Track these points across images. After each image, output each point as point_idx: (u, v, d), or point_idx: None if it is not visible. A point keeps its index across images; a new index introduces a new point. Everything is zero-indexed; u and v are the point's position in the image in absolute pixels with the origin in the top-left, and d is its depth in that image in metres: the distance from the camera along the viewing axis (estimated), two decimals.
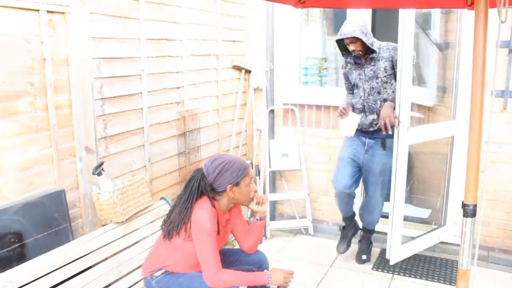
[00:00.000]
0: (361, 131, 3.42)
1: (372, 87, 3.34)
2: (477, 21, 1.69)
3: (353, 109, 3.44)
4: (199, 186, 2.27)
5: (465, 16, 3.53)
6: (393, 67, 3.27)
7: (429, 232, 3.88)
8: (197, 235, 2.21)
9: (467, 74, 3.57)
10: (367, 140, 3.43)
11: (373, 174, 3.45)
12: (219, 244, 2.35)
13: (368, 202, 3.60)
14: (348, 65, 3.48)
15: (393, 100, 3.23)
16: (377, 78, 3.31)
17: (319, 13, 5.64)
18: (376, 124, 3.33)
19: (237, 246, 2.67)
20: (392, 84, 3.33)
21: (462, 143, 3.70)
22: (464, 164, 3.55)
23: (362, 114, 3.40)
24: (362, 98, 3.40)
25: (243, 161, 2.37)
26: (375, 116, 3.36)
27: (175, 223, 2.26)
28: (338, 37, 3.22)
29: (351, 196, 3.59)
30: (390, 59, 3.26)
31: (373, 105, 3.35)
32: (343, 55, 3.46)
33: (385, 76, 3.30)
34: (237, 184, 2.30)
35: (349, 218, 3.75)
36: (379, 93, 3.34)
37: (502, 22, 1.65)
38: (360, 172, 3.54)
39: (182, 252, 2.28)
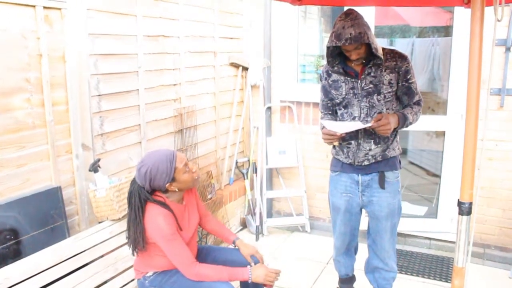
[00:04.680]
0: (352, 166, 2.58)
1: (372, 106, 2.45)
2: (474, 19, 1.69)
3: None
4: (140, 199, 2.21)
5: (458, 13, 3.56)
6: (399, 81, 2.45)
7: (417, 217, 3.95)
8: (160, 242, 2.19)
9: (458, 71, 3.61)
10: (360, 178, 2.57)
11: (378, 221, 2.62)
12: (188, 231, 2.34)
13: (375, 256, 2.74)
14: (333, 75, 2.54)
15: (402, 115, 2.42)
16: (378, 93, 2.43)
17: (316, 10, 5.64)
18: (372, 156, 2.52)
19: (224, 244, 2.66)
20: (393, 104, 2.51)
21: (454, 139, 3.78)
22: (456, 159, 3.69)
23: (354, 142, 2.52)
24: (357, 119, 2.49)
25: (166, 155, 2.22)
26: (372, 146, 2.49)
27: (136, 241, 2.22)
28: (335, 43, 2.27)
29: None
30: (396, 70, 2.42)
31: (371, 129, 2.41)
32: (328, 62, 2.49)
33: (389, 92, 2.44)
34: (173, 179, 2.23)
35: (349, 280, 3.03)
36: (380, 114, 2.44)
37: (498, 21, 1.65)
38: (360, 220, 2.76)
39: (160, 254, 2.27)
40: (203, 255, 2.51)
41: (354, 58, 2.37)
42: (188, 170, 2.28)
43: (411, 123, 2.48)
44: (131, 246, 2.27)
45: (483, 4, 1.68)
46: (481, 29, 1.68)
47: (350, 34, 2.22)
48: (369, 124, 2.36)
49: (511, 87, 3.48)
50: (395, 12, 5.75)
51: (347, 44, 2.25)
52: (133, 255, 2.30)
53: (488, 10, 1.77)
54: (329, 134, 2.43)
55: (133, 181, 2.27)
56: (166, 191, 2.27)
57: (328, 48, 2.42)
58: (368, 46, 2.33)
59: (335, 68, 2.50)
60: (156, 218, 2.19)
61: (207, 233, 3.54)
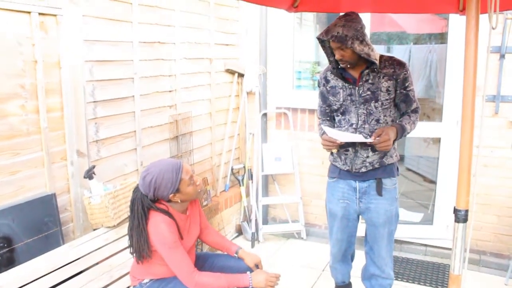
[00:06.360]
0: (349, 173, 2.56)
1: (369, 112, 2.45)
2: (469, 27, 1.70)
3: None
4: (143, 207, 2.19)
5: (452, 20, 3.58)
6: (397, 88, 2.45)
7: (412, 223, 4.00)
8: (161, 250, 2.17)
9: (454, 77, 3.64)
10: (358, 185, 2.56)
11: (375, 228, 2.61)
12: (189, 241, 2.33)
13: (373, 263, 2.71)
14: (331, 81, 2.55)
15: (400, 127, 2.43)
16: (376, 100, 2.43)
17: (312, 17, 5.66)
18: (370, 163, 2.50)
19: (218, 252, 2.65)
20: (391, 111, 2.50)
21: (449, 145, 3.79)
22: (451, 165, 3.69)
23: (351, 149, 2.51)
24: (355, 126, 2.48)
25: (172, 165, 2.20)
26: (369, 153, 2.48)
27: (141, 248, 2.20)
28: (322, 36, 2.33)
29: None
30: (395, 77, 2.42)
31: (368, 136, 2.43)
32: (330, 62, 2.53)
33: (386, 100, 2.44)
34: (177, 190, 2.21)
35: (345, 287, 3.01)
36: (378, 121, 2.46)
37: (493, 28, 1.66)
38: (357, 226, 2.74)
39: (158, 262, 2.26)
40: (200, 262, 2.49)
41: (337, 58, 2.39)
42: (193, 182, 2.27)
43: (408, 133, 2.49)
44: (135, 254, 2.24)
45: (478, 11, 1.69)
46: (476, 36, 1.69)
47: (337, 32, 2.27)
48: (370, 140, 2.36)
49: (505, 94, 3.50)
50: (391, 19, 5.78)
51: (331, 40, 2.31)
52: (138, 262, 2.27)
53: (483, 18, 1.78)
54: (329, 140, 2.44)
55: (136, 189, 2.25)
56: (168, 201, 2.25)
57: (323, 45, 2.46)
58: (357, 52, 2.31)
59: (335, 70, 2.50)
60: (158, 225, 2.17)
61: None
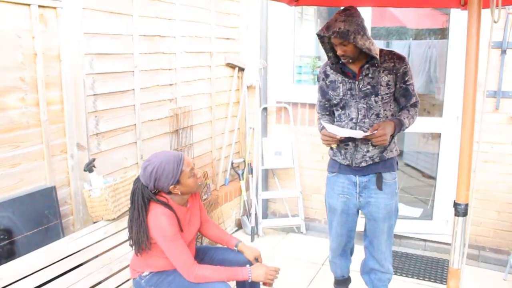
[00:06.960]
0: (349, 167, 2.56)
1: (369, 107, 2.44)
2: (470, 21, 1.69)
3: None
4: (144, 198, 2.19)
5: (454, 15, 3.57)
6: (396, 83, 2.44)
7: (412, 218, 4.02)
8: (161, 242, 2.18)
9: (455, 73, 3.63)
10: (358, 179, 2.55)
11: (375, 222, 2.60)
12: (189, 234, 2.34)
13: (372, 257, 2.72)
14: (331, 76, 2.53)
15: (398, 122, 2.43)
16: (376, 95, 2.41)
17: (313, 11, 5.65)
18: (370, 158, 2.50)
19: (218, 245, 2.66)
20: (391, 105, 2.49)
21: (449, 141, 3.79)
22: (451, 161, 3.70)
23: (351, 143, 2.49)
24: (355, 121, 2.47)
25: (174, 156, 2.21)
26: (369, 147, 2.47)
27: (140, 240, 2.20)
28: (323, 32, 2.29)
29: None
30: (394, 71, 2.40)
31: (368, 131, 2.42)
32: (329, 58, 2.50)
33: (386, 94, 2.42)
34: (177, 182, 2.21)
35: (344, 281, 3.03)
36: (377, 116, 2.45)
37: (495, 22, 1.65)
38: (356, 221, 2.74)
39: (158, 255, 2.26)
40: (200, 255, 2.50)
41: (339, 54, 2.36)
42: (194, 175, 2.27)
43: (407, 127, 2.49)
44: (134, 246, 2.24)
45: (480, 6, 1.68)
46: (478, 32, 1.69)
47: (339, 28, 2.24)
48: (367, 133, 2.36)
49: (506, 90, 3.50)
50: (392, 14, 5.77)
51: (332, 36, 2.27)
52: (137, 255, 2.28)
53: (484, 12, 1.77)
54: (328, 135, 2.43)
55: (137, 180, 2.26)
56: (169, 193, 2.26)
57: (322, 41, 2.43)
58: (359, 47, 2.29)
59: (334, 65, 2.48)
60: (158, 218, 2.18)
61: None
